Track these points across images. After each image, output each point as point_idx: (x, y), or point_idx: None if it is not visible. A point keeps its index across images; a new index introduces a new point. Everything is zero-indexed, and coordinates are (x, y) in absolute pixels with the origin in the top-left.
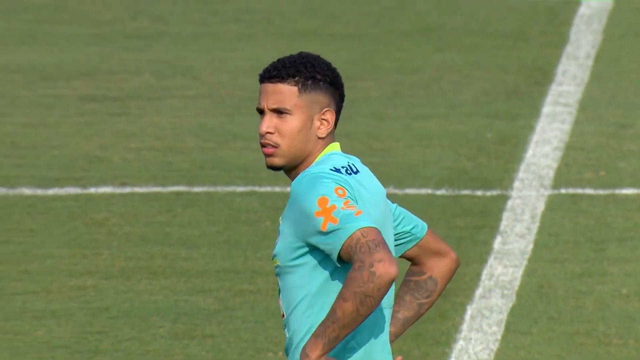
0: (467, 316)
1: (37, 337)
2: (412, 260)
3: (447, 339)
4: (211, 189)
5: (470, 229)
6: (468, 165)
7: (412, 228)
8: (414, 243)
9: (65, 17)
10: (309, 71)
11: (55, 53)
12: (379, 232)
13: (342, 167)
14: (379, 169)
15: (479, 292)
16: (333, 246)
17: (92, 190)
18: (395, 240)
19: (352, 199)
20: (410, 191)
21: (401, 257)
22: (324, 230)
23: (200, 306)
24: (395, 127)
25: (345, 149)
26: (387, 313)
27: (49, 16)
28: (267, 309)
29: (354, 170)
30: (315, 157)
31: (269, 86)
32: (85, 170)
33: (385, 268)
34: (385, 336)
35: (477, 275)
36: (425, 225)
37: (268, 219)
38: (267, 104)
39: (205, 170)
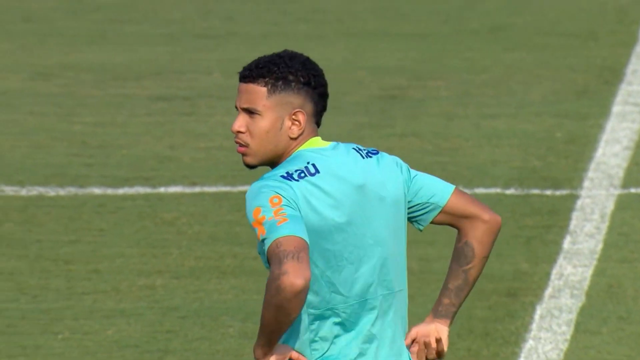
0: (537, 316)
1: (107, 336)
2: (452, 227)
3: (517, 338)
4: None
5: (539, 228)
6: (537, 164)
7: (431, 197)
8: (438, 211)
9: (135, 16)
10: (281, 72)
11: (125, 53)
12: (296, 240)
13: (297, 171)
14: (448, 168)
15: (548, 291)
16: (263, 256)
17: (162, 189)
18: (417, 211)
19: (289, 206)
20: (479, 190)
21: (438, 224)
22: (259, 240)
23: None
24: (464, 126)
25: (413, 149)
26: (373, 304)
27: (118, 16)
28: None
29: (311, 172)
30: (287, 157)
31: (243, 86)
32: (155, 169)
33: (289, 280)
34: (373, 328)
35: (547, 275)
36: (448, 191)
37: None
38: (240, 103)
39: None
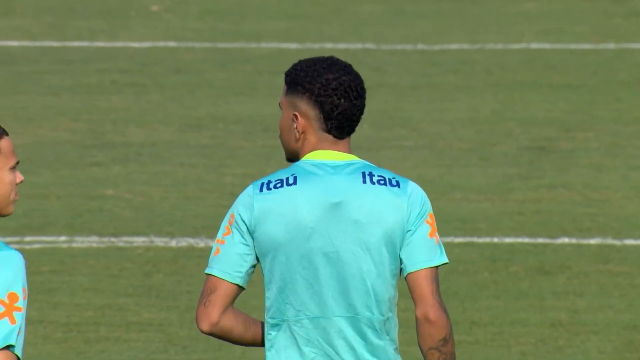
0: None
1: None
2: None
3: None
4: None
5: None
6: None
7: (406, 259)
8: (404, 275)
9: (284, 68)
10: (296, 72)
11: (275, 104)
12: (211, 281)
13: (277, 180)
14: (597, 220)
15: None
16: None
17: None
18: (401, 261)
19: (236, 228)
20: (628, 242)
21: None
22: None
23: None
24: (613, 177)
25: (562, 200)
26: (329, 323)
27: (267, 67)
28: (486, 359)
29: (289, 183)
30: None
31: None
32: None
33: (198, 324)
34: (324, 347)
35: None
36: (425, 264)
37: (486, 270)
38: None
39: None
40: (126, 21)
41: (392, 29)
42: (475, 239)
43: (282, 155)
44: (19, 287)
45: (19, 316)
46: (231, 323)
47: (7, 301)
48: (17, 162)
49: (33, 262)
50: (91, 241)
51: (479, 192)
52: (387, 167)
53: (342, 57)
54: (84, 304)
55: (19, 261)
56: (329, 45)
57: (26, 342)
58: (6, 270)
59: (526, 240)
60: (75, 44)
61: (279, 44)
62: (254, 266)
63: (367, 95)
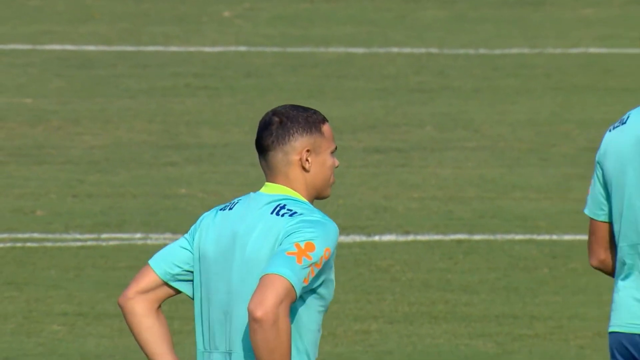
0: None
1: None
2: None
3: None
4: (491, 237)
5: None
6: None
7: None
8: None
9: (352, 72)
10: None
11: (342, 107)
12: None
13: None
14: None
15: None
16: None
17: (377, 238)
18: None
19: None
20: None
21: None
22: None
23: (481, 350)
24: None
25: None
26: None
27: (336, 71)
28: (545, 352)
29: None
30: None
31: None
32: (371, 219)
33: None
34: None
35: None
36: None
37: (546, 266)
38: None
39: (485, 219)
40: (199, 27)
41: (454, 34)
42: (535, 237)
43: (349, 155)
44: (321, 243)
45: (306, 262)
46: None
47: (302, 247)
48: (336, 148)
49: (110, 258)
50: (165, 238)
51: (538, 191)
52: (450, 168)
53: (406, 61)
54: None
55: (332, 229)
56: (394, 50)
57: (103, 336)
58: (317, 227)
59: (584, 237)
60: (150, 48)
61: (346, 49)
62: None
63: (431, 98)
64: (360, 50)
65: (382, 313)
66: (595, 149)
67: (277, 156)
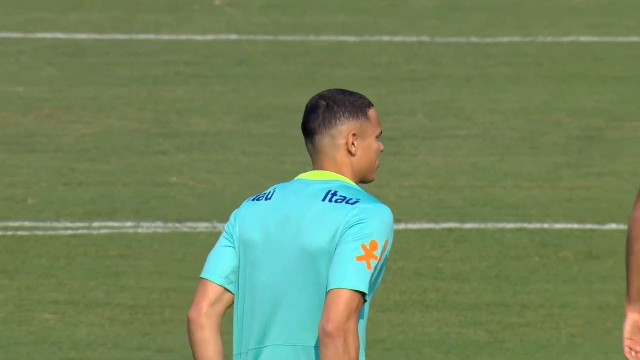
0: None
1: None
2: None
3: None
4: (482, 225)
5: None
6: None
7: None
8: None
9: (343, 60)
10: None
11: None
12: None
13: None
14: None
15: None
16: None
17: None
18: None
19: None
20: None
21: None
22: None
23: (472, 338)
24: None
25: (611, 188)
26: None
27: (327, 59)
28: (536, 341)
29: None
30: None
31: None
32: None
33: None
34: None
35: None
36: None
37: (537, 254)
38: None
39: (476, 208)
40: (190, 15)
41: (446, 23)
42: (526, 225)
43: None
44: (381, 237)
45: (374, 263)
46: None
47: (368, 247)
48: (381, 132)
49: (100, 246)
50: (156, 226)
51: (529, 179)
52: (441, 156)
53: (398, 50)
54: (150, 287)
55: (388, 216)
56: (386, 38)
57: (93, 324)
58: (376, 217)
59: (575, 226)
60: (142, 36)
61: (338, 37)
62: None
63: (422, 86)
64: (351, 38)
65: (373, 301)
66: (587, 136)
67: (324, 140)
